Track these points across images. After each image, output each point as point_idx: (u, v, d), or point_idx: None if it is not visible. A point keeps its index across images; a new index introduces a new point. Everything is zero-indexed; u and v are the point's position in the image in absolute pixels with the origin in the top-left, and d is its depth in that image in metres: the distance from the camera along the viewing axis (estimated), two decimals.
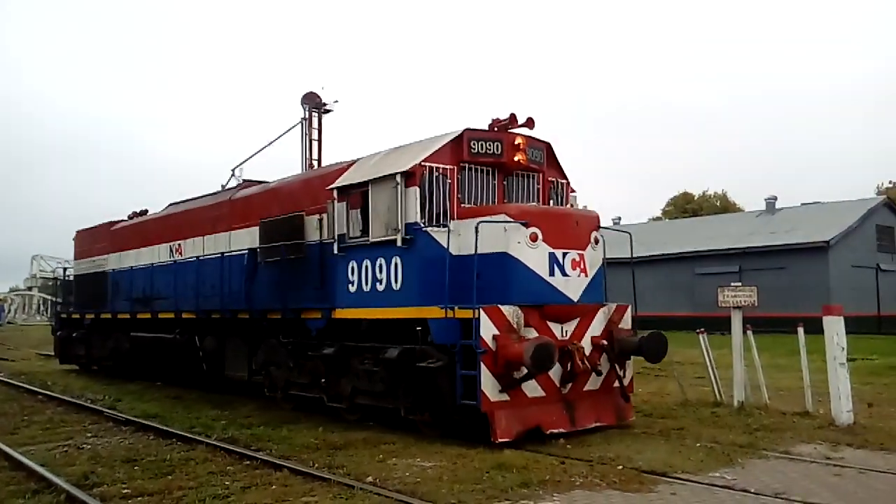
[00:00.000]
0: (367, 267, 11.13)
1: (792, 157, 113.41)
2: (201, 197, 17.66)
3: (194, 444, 10.14)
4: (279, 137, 24.31)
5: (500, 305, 9.57)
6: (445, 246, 9.99)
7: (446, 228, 10.06)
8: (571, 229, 10.32)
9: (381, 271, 10.87)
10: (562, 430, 9.92)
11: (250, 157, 25.29)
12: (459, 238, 10.17)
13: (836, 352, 10.67)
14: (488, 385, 9.38)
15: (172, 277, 16.78)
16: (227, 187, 18.64)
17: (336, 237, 11.60)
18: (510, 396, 9.56)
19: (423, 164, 10.40)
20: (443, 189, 10.54)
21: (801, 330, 12.01)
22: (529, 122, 11.06)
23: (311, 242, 12.68)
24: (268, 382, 13.72)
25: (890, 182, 69.81)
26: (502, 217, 9.90)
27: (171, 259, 17.21)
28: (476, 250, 9.57)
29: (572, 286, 10.16)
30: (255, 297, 13.74)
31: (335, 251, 11.63)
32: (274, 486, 7.81)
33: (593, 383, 10.48)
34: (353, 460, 8.93)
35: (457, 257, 10.16)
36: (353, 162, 12.29)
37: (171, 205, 19.12)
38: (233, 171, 21.03)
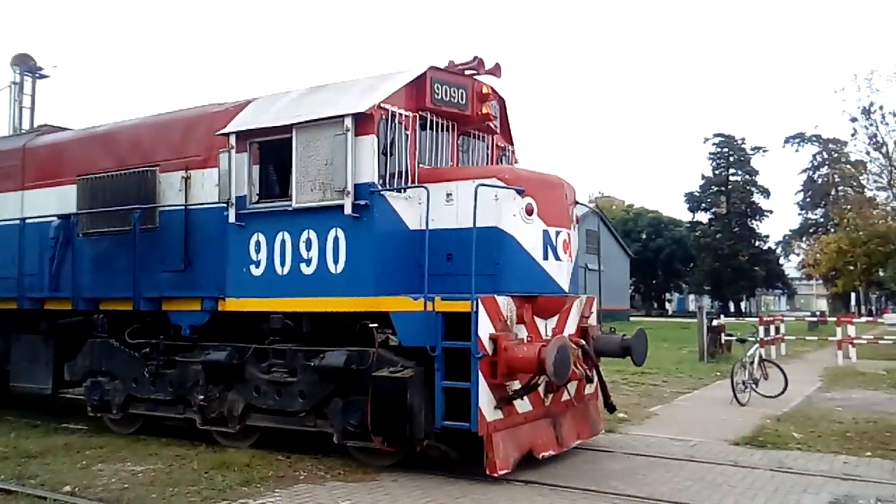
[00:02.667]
0: (284, 242, 8.22)
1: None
2: None
3: None
4: None
5: (495, 296, 7.34)
6: (425, 216, 7.52)
7: (423, 191, 7.58)
8: (561, 202, 8.32)
9: (309, 248, 8.06)
10: (551, 451, 7.94)
11: None
12: (420, 207, 7.78)
13: None
14: (485, 400, 7.10)
15: None
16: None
17: (233, 201, 8.52)
18: (503, 414, 7.37)
19: (382, 105, 7.80)
20: (404, 143, 8.03)
21: None
22: (496, 70, 8.88)
23: (169, 208, 9.40)
24: (93, 398, 9.98)
25: (599, 193, 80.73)
26: (493, 181, 7.64)
27: None
28: (475, 222, 7.23)
29: (564, 273, 8.19)
30: (75, 282, 10.00)
31: (231, 219, 8.53)
32: None
33: (568, 392, 8.61)
34: (49, 469, 7.92)
35: (416, 232, 7.77)
36: (245, 103, 9.21)
37: None
38: None
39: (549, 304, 8.02)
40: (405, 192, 7.84)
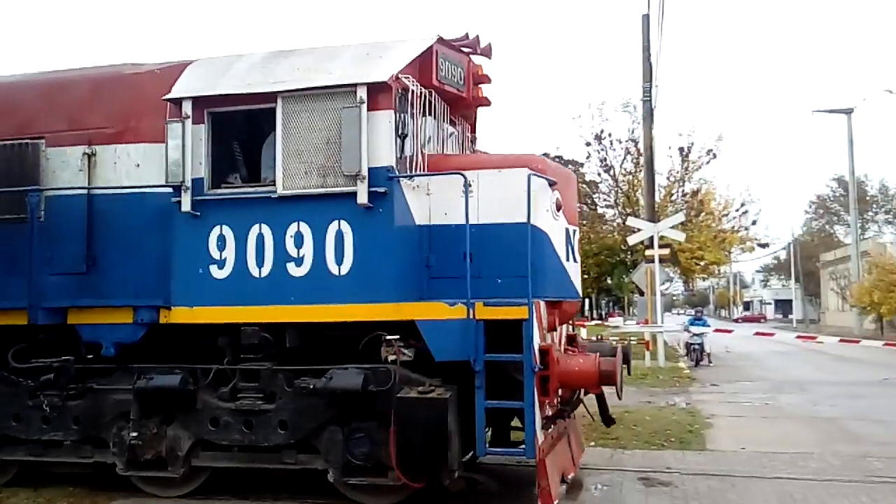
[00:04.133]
0: (261, 236, 6.64)
1: None
2: None
3: None
4: None
5: (541, 301, 6.43)
6: (465, 208, 6.38)
7: (460, 179, 6.42)
8: (575, 198, 7.63)
9: (299, 244, 6.56)
10: (573, 474, 7.18)
11: None
12: (429, 199, 6.71)
13: None
14: (538, 422, 6.15)
15: None
16: None
17: (188, 185, 6.74)
18: (543, 437, 6.46)
19: (399, 77, 6.57)
20: (416, 122, 6.85)
21: None
22: (488, 51, 7.95)
23: (63, 193, 7.35)
24: None
25: None
26: (525, 171, 6.70)
27: None
28: (529, 217, 6.28)
29: (578, 276, 7.46)
30: None
31: (186, 208, 6.75)
32: None
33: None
34: None
35: (422, 228, 6.68)
36: (179, 65, 7.40)
37: None
38: None
39: (570, 309, 7.27)
40: (435, 179, 6.67)
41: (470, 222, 6.53)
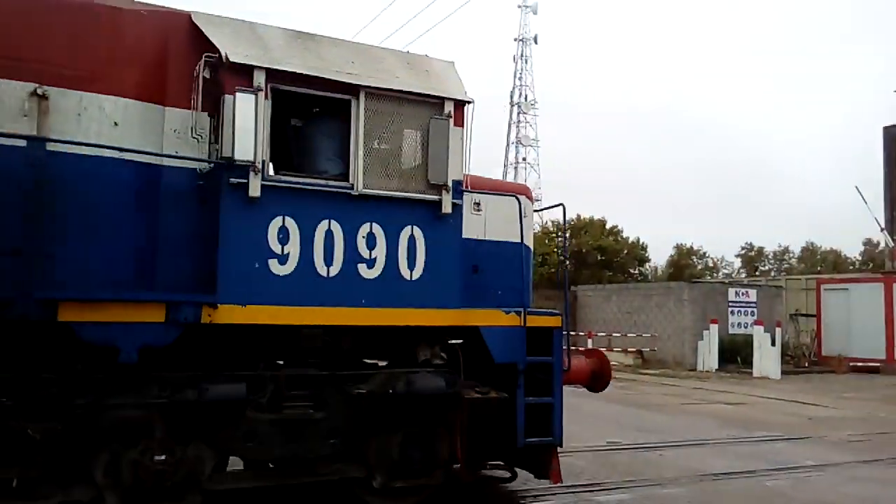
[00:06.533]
0: (330, 233, 6.22)
1: None
2: None
3: None
4: None
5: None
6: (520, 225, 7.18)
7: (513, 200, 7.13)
8: None
9: (371, 245, 6.38)
10: None
11: None
12: (480, 215, 7.39)
13: None
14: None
15: None
16: None
17: (258, 164, 5.88)
18: None
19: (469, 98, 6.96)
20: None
21: None
22: None
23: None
24: None
25: None
26: (524, 198, 7.72)
27: None
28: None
29: None
30: None
31: (253, 192, 5.87)
32: None
33: None
34: None
35: (475, 241, 7.35)
36: (179, 14, 6.29)
37: None
38: None
39: None
40: (489, 197, 7.20)
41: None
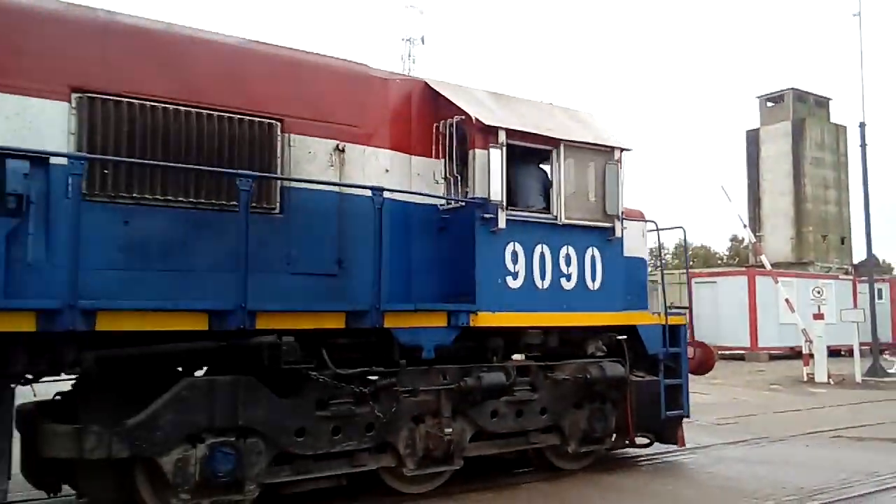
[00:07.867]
0: (543, 255, 8.01)
1: None
2: None
3: None
4: None
5: None
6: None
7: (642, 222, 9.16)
8: None
9: (568, 263, 8.19)
10: None
11: None
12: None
13: None
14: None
15: None
16: None
17: (503, 204, 7.60)
18: None
19: None
20: None
21: None
22: None
23: (317, 188, 7.17)
24: (216, 472, 6.00)
25: None
26: (649, 223, 9.76)
27: None
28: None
29: None
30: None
31: (500, 225, 7.58)
32: None
33: None
34: None
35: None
36: (416, 81, 7.98)
37: None
38: None
39: None
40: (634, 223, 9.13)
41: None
